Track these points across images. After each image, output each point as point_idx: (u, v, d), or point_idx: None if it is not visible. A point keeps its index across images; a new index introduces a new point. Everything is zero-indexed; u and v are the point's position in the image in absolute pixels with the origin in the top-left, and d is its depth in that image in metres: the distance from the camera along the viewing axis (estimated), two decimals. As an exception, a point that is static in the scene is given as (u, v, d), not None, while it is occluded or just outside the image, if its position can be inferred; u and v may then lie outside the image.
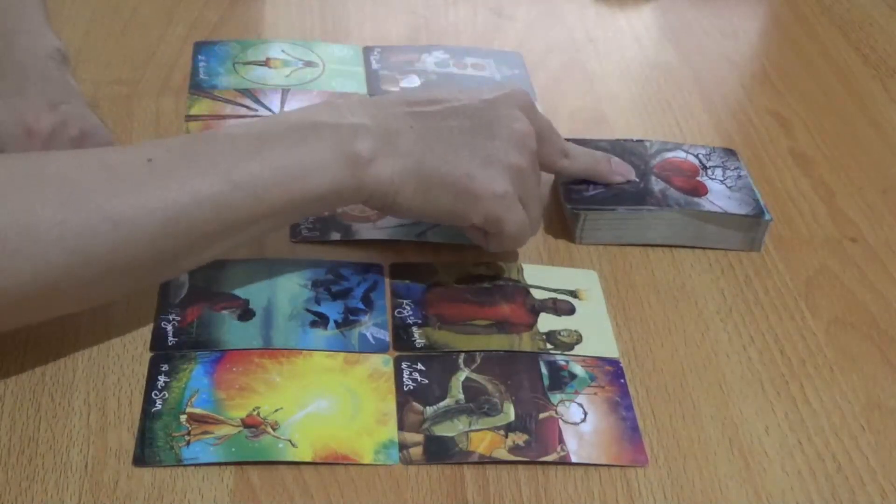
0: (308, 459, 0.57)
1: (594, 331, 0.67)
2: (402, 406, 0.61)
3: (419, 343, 0.65)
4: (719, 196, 0.75)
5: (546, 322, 0.67)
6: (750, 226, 0.74)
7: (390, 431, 0.59)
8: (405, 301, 0.68)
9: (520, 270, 0.71)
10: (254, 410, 0.59)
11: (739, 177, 0.78)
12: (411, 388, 0.62)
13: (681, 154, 0.80)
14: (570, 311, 0.69)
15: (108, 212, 0.55)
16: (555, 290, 0.70)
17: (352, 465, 0.57)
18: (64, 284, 0.56)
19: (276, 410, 0.59)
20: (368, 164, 0.62)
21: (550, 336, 0.66)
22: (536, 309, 0.68)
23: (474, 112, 0.66)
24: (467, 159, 0.64)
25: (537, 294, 0.70)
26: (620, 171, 0.76)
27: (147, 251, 0.57)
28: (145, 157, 0.58)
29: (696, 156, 0.80)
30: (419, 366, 0.63)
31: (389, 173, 0.63)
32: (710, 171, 0.78)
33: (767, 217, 0.74)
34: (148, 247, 0.57)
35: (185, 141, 0.64)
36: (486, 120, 0.66)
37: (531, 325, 0.67)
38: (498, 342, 0.65)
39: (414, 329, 0.66)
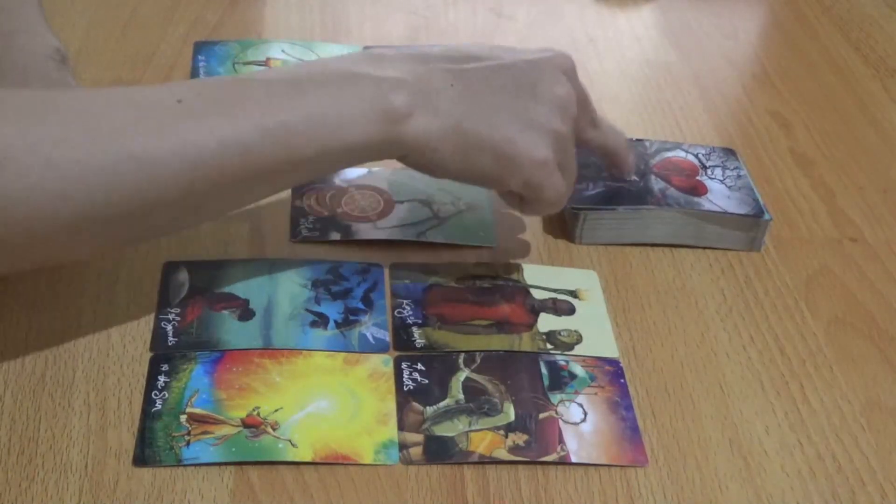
0: (308, 459, 0.57)
1: (594, 331, 0.67)
2: (402, 406, 0.61)
3: (419, 343, 0.65)
4: (719, 196, 0.75)
5: (546, 322, 0.67)
6: (750, 226, 0.74)
7: (390, 431, 0.59)
8: (405, 301, 0.68)
9: (520, 270, 0.71)
10: (254, 410, 0.59)
11: (739, 176, 0.78)
12: (411, 388, 0.62)
13: (680, 153, 0.80)
14: (570, 311, 0.69)
15: (133, 150, 0.54)
16: (555, 290, 0.70)
17: (352, 466, 0.57)
18: (85, 222, 0.54)
19: (276, 410, 0.59)
20: (405, 120, 0.61)
21: (550, 336, 0.66)
22: (536, 309, 0.68)
23: (517, 73, 0.64)
24: (508, 122, 0.63)
25: (537, 294, 0.70)
26: (632, 167, 0.75)
27: (171, 193, 0.56)
28: (175, 97, 0.57)
29: (696, 155, 0.80)
30: (419, 366, 0.63)
31: (426, 131, 0.61)
32: (709, 171, 0.78)
33: (767, 217, 0.74)
34: (172, 189, 0.56)
35: (219, 83, 0.62)
36: (529, 82, 0.64)
37: (531, 325, 0.67)
38: (498, 342, 0.65)
39: (414, 329, 0.66)
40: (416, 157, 0.63)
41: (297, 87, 0.59)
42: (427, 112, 0.61)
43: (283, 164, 0.59)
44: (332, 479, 0.57)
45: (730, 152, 0.81)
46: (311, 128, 0.59)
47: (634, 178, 0.76)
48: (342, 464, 0.57)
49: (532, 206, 0.67)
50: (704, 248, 0.75)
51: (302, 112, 0.58)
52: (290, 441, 0.58)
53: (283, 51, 0.92)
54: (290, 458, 0.57)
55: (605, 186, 0.75)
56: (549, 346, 0.66)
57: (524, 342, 0.66)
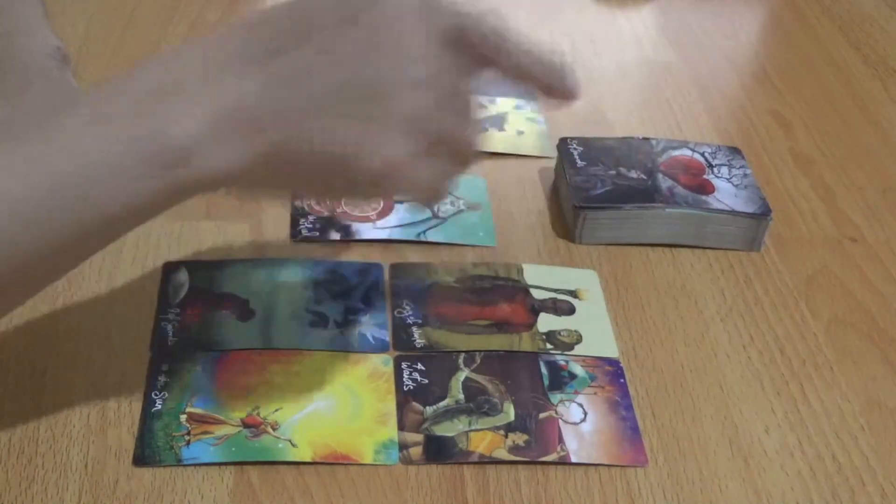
0: (308, 459, 0.57)
1: (594, 331, 0.67)
2: (401, 406, 0.61)
3: (419, 343, 0.65)
4: (726, 194, 0.75)
5: (546, 322, 0.67)
6: (755, 225, 0.74)
7: (390, 431, 0.59)
8: (405, 301, 0.68)
9: (519, 270, 0.71)
10: (254, 410, 0.59)
11: (745, 175, 0.78)
12: (411, 388, 0.62)
13: (687, 152, 0.80)
14: (570, 310, 0.69)
15: None
16: (555, 290, 0.70)
17: (352, 465, 0.57)
18: None
19: (276, 410, 0.59)
20: (191, 159, 0.46)
21: (550, 336, 0.66)
22: (536, 309, 0.68)
23: (348, 45, 0.49)
24: (344, 124, 0.49)
25: (537, 294, 0.69)
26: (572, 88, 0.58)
27: None
28: None
29: (702, 154, 0.80)
30: (419, 366, 0.63)
31: (227, 162, 0.47)
32: (716, 170, 0.78)
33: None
34: None
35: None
36: (367, 56, 0.49)
37: (531, 325, 0.67)
38: (498, 342, 0.65)
39: (414, 329, 0.66)
40: (228, 190, 0.50)
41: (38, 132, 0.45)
42: (222, 138, 0.47)
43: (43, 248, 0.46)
44: (333, 479, 0.57)
45: (735, 151, 0.81)
46: (57, 200, 0.45)
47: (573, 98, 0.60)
48: (342, 464, 0.57)
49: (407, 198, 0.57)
50: (704, 248, 0.75)
51: (43, 181, 0.44)
52: (290, 441, 0.58)
53: (283, 51, 0.92)
54: (289, 458, 0.57)
55: (612, 185, 0.75)
56: (549, 346, 0.66)
57: (524, 342, 0.66)
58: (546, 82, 0.57)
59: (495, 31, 0.54)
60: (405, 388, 0.62)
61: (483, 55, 0.54)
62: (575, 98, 0.58)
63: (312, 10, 0.51)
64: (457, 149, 0.53)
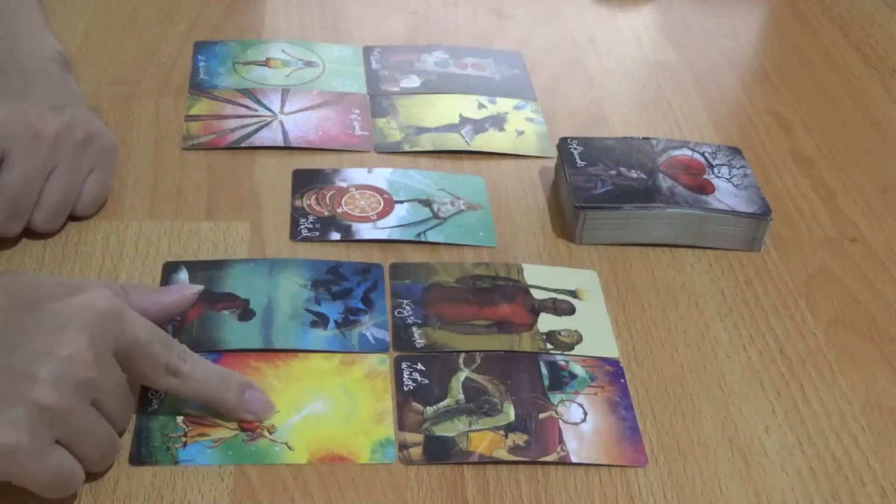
0: (304, 462, 0.57)
1: (594, 331, 0.67)
2: (401, 406, 0.61)
3: (419, 343, 0.65)
4: (727, 194, 0.75)
5: (546, 322, 0.67)
6: (755, 225, 0.74)
7: (387, 430, 0.59)
8: (405, 301, 0.68)
9: (520, 270, 0.71)
10: None
11: (745, 175, 0.78)
12: (411, 388, 0.62)
13: (687, 152, 0.80)
14: (570, 311, 0.69)
15: None
16: (555, 290, 0.70)
17: (352, 466, 0.57)
18: None
19: (273, 413, 0.59)
20: None
21: (550, 336, 0.66)
22: (536, 309, 0.68)
23: (14, 325, 0.52)
24: None
25: (537, 294, 0.69)
26: (254, 409, 0.59)
27: None
28: None
29: (703, 154, 0.80)
30: (419, 366, 0.63)
31: None
32: (716, 170, 0.78)
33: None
34: None
35: None
36: (11, 342, 0.51)
37: (531, 325, 0.67)
38: (498, 342, 0.65)
39: (414, 329, 0.66)
40: None
41: None
42: None
43: None
44: (333, 479, 0.57)
45: (735, 151, 0.81)
46: None
47: (269, 418, 0.59)
48: (339, 463, 0.57)
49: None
50: (704, 248, 0.75)
51: None
52: (286, 444, 0.58)
53: (283, 51, 0.92)
54: (286, 461, 0.57)
55: (613, 185, 0.75)
56: (549, 346, 0.66)
57: (524, 342, 0.66)
58: (226, 400, 0.59)
59: (176, 358, 0.56)
60: (405, 388, 0.62)
61: (145, 375, 0.56)
62: (261, 418, 0.59)
63: (21, 282, 0.55)
64: (87, 453, 0.53)
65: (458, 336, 0.66)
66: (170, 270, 0.68)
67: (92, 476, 0.55)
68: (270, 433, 0.58)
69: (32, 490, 0.51)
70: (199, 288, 0.62)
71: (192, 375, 0.56)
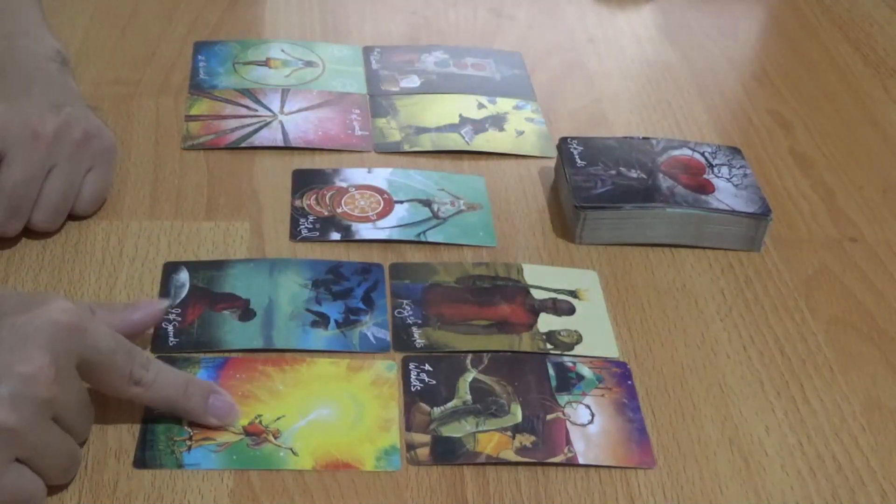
0: (309, 468, 0.57)
1: (594, 331, 0.67)
2: (409, 406, 0.61)
3: (419, 343, 0.65)
4: (726, 194, 0.75)
5: (546, 322, 0.67)
6: (755, 224, 0.74)
7: (392, 438, 0.59)
8: (405, 301, 0.68)
9: (520, 270, 0.71)
10: (256, 418, 0.59)
11: (745, 175, 0.78)
12: (419, 388, 0.62)
13: (687, 152, 0.80)
14: (570, 311, 0.69)
15: None
16: (555, 290, 0.70)
17: (355, 471, 0.57)
18: None
19: (279, 419, 0.59)
20: None
21: (550, 336, 0.66)
22: (536, 309, 0.68)
23: None
24: None
25: (537, 294, 0.69)
26: (219, 414, 0.58)
27: None
28: None
29: (703, 154, 0.80)
30: (427, 366, 0.63)
31: None
32: (716, 170, 0.78)
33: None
34: None
35: None
36: None
37: (531, 325, 0.67)
38: (498, 342, 0.65)
39: (414, 329, 0.66)
40: None
41: None
42: None
43: None
44: (333, 479, 0.57)
45: (735, 151, 0.81)
46: None
47: (233, 423, 0.59)
48: (343, 470, 0.57)
49: None
50: (704, 248, 0.75)
51: None
52: (291, 450, 0.58)
53: (283, 51, 0.92)
54: (290, 467, 0.57)
55: (613, 184, 0.75)
56: (548, 346, 0.66)
57: (524, 342, 0.66)
58: (191, 406, 0.58)
59: (139, 367, 0.56)
60: (412, 389, 0.62)
61: (109, 386, 0.56)
62: (227, 424, 0.59)
63: None
64: (48, 469, 0.53)
65: (458, 336, 0.66)
66: (170, 270, 0.68)
67: (92, 476, 0.55)
68: (275, 438, 0.58)
69: None
70: (166, 303, 0.63)
71: (154, 384, 0.56)
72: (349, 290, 0.68)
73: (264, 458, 0.57)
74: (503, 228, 0.75)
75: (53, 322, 0.52)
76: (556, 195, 0.79)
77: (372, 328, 0.65)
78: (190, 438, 0.57)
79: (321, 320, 0.65)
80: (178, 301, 0.66)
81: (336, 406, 0.60)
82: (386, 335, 0.65)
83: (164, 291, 0.66)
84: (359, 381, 0.62)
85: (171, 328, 0.64)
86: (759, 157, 0.85)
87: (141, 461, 0.56)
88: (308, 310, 0.66)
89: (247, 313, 0.65)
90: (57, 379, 0.51)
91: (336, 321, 0.66)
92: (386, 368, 0.63)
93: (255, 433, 0.58)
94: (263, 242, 0.72)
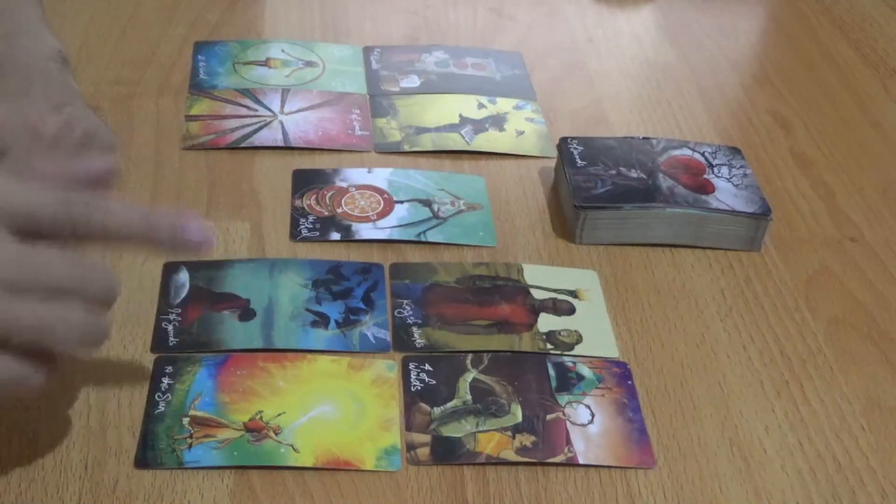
0: (309, 465, 0.57)
1: (594, 331, 0.67)
2: (409, 406, 0.61)
3: (419, 343, 0.65)
4: (726, 194, 0.76)
5: (546, 322, 0.67)
6: (755, 224, 0.74)
7: (393, 437, 0.59)
8: (405, 301, 0.68)
9: (520, 270, 0.71)
10: (257, 414, 0.59)
11: (745, 175, 0.78)
12: (419, 388, 0.62)
13: (687, 152, 0.80)
14: (570, 311, 0.69)
15: None
16: (555, 290, 0.70)
17: (355, 470, 0.57)
18: None
19: (279, 415, 0.59)
20: None
21: (550, 336, 0.66)
22: (536, 309, 0.68)
23: None
24: None
25: (537, 294, 0.70)
26: (194, 237, 0.54)
27: None
28: None
29: (703, 154, 0.80)
30: (427, 366, 0.63)
31: None
32: (716, 170, 0.78)
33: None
34: None
35: None
36: None
37: (531, 325, 0.67)
38: (498, 342, 0.65)
39: (414, 329, 0.66)
40: None
41: None
42: None
43: None
44: (333, 479, 0.57)
45: (735, 151, 0.81)
46: None
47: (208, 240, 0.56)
48: (344, 469, 0.57)
49: None
50: (704, 248, 0.75)
51: None
52: (291, 446, 0.58)
53: (283, 51, 0.92)
54: (291, 464, 0.57)
55: (613, 184, 0.75)
56: (549, 345, 0.66)
57: (524, 342, 0.66)
58: (158, 238, 0.54)
59: (80, 214, 0.52)
60: (413, 389, 0.62)
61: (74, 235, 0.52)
62: (202, 245, 0.55)
63: None
64: (35, 347, 0.49)
65: (458, 336, 0.66)
66: (170, 271, 0.68)
67: (92, 476, 0.55)
68: (276, 434, 0.58)
69: None
70: (112, 160, 0.57)
71: (106, 226, 0.52)
72: (349, 290, 0.68)
73: (265, 454, 0.57)
74: (503, 228, 0.75)
75: None
76: (556, 195, 0.79)
77: (372, 328, 0.65)
78: (191, 436, 0.57)
79: (321, 320, 0.65)
80: (178, 301, 0.66)
81: (337, 404, 0.60)
82: (386, 335, 0.65)
83: (165, 291, 0.66)
84: (359, 380, 0.62)
85: (171, 328, 0.64)
86: (759, 157, 0.85)
87: (142, 461, 0.56)
88: (308, 310, 0.66)
89: (247, 313, 0.65)
90: None
91: (336, 321, 0.66)
92: (386, 368, 0.63)
93: (255, 429, 0.58)
94: (263, 242, 0.72)
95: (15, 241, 0.49)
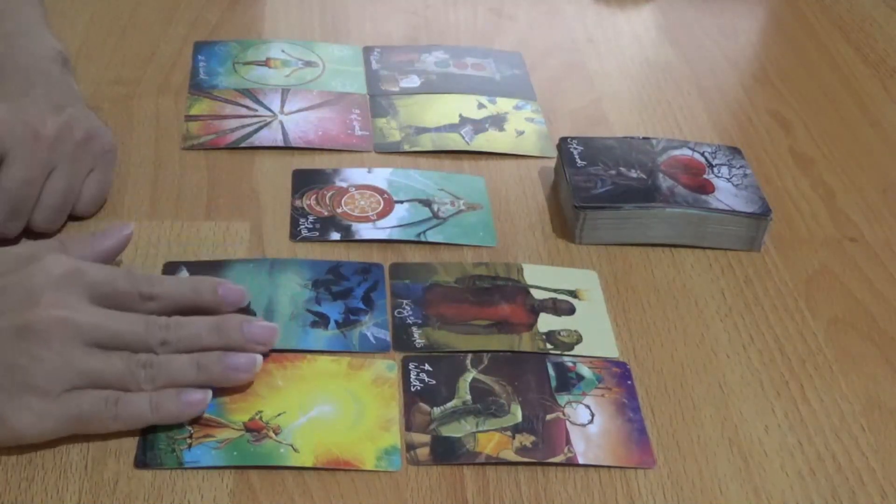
0: (309, 465, 0.57)
1: (594, 331, 0.67)
2: (409, 406, 0.61)
3: (419, 343, 0.65)
4: (726, 194, 0.76)
5: (546, 322, 0.67)
6: (755, 224, 0.74)
7: (393, 437, 0.59)
8: (405, 301, 0.68)
9: (519, 270, 0.71)
10: (256, 414, 0.59)
11: (745, 175, 0.78)
12: (418, 388, 0.62)
13: (687, 152, 0.80)
14: (570, 311, 0.69)
15: None
16: (555, 290, 0.70)
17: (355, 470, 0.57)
18: None
19: (279, 415, 0.59)
20: None
21: (550, 336, 0.66)
22: (536, 309, 0.68)
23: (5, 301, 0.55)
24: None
25: (537, 294, 0.70)
26: (230, 299, 0.62)
27: None
28: None
29: (703, 154, 0.80)
30: (426, 366, 0.63)
31: None
32: (716, 170, 0.78)
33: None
34: None
35: None
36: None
37: (531, 325, 0.67)
38: (498, 342, 0.65)
39: (414, 329, 0.66)
40: None
41: None
42: None
43: None
44: (333, 479, 0.57)
45: (735, 151, 0.81)
46: None
47: (248, 305, 0.64)
48: (344, 469, 0.57)
49: None
50: (704, 248, 0.75)
51: None
52: (291, 446, 0.58)
53: (283, 51, 0.92)
54: (291, 464, 0.57)
55: (612, 184, 0.75)
56: (548, 346, 0.66)
57: (524, 342, 0.66)
58: (205, 302, 0.62)
59: (140, 294, 0.60)
60: (412, 389, 0.62)
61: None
62: (239, 305, 0.63)
63: None
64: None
65: (458, 336, 0.66)
66: (170, 271, 0.68)
67: (92, 476, 0.55)
68: (276, 434, 0.58)
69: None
70: (131, 226, 0.65)
71: (165, 294, 0.60)
72: (349, 290, 0.68)
73: (265, 454, 0.57)
74: (503, 228, 0.75)
75: (53, 273, 0.56)
76: (556, 195, 0.79)
77: (372, 328, 0.65)
78: (190, 436, 0.57)
79: (321, 320, 0.65)
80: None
81: (337, 404, 0.60)
82: (386, 335, 0.65)
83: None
84: (359, 380, 0.62)
85: (171, 328, 0.64)
86: (759, 157, 0.85)
87: (142, 461, 0.56)
88: (308, 310, 0.66)
89: (247, 313, 0.65)
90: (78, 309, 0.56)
91: (336, 321, 0.66)
92: (386, 368, 0.63)
93: (255, 429, 0.58)
94: (263, 242, 0.72)
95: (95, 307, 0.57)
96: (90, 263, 0.59)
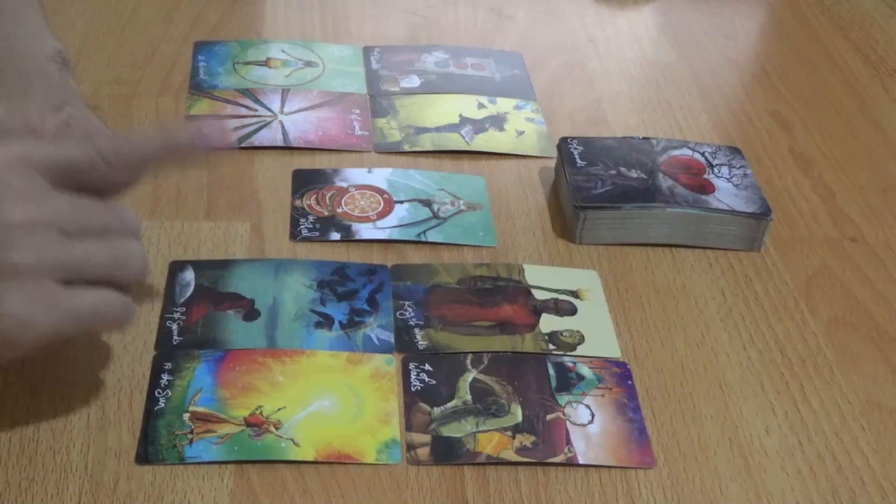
0: (310, 459, 0.57)
1: (596, 331, 0.67)
2: (409, 406, 0.61)
3: (421, 345, 0.65)
4: (727, 194, 0.76)
5: (548, 323, 0.67)
6: (755, 225, 0.74)
7: (393, 430, 0.59)
8: (407, 302, 0.68)
9: (521, 271, 0.71)
10: (257, 409, 0.59)
11: (745, 175, 0.78)
12: (419, 388, 0.62)
13: (687, 152, 0.80)
14: (572, 311, 0.69)
15: None
16: (556, 291, 0.70)
17: (352, 466, 0.57)
18: None
19: (279, 409, 0.59)
20: None
21: (552, 337, 0.66)
22: (538, 309, 0.68)
23: None
24: None
25: (539, 294, 0.70)
26: (210, 132, 0.60)
27: None
28: None
29: (703, 154, 0.80)
30: (427, 366, 0.63)
31: None
32: (716, 170, 0.78)
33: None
34: None
35: None
36: None
37: (533, 325, 0.67)
38: (500, 343, 0.65)
39: (416, 330, 0.66)
40: None
41: None
42: None
43: None
44: (333, 479, 0.57)
45: (735, 151, 0.81)
46: None
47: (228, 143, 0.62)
48: (344, 463, 0.57)
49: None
50: (704, 248, 0.75)
51: None
52: (292, 440, 0.58)
53: (283, 51, 0.92)
54: (292, 458, 0.57)
55: (613, 184, 0.75)
56: (551, 346, 0.66)
57: (526, 343, 0.66)
58: (182, 152, 0.59)
59: (106, 147, 0.56)
60: (412, 389, 0.62)
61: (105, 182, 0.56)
62: (220, 144, 0.60)
63: None
64: (109, 276, 0.54)
65: (460, 337, 0.66)
66: (176, 270, 0.68)
67: (92, 476, 0.55)
68: (277, 429, 0.58)
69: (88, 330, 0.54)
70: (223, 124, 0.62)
71: (133, 154, 0.56)
72: (354, 291, 0.68)
73: (266, 448, 0.57)
74: (503, 228, 0.75)
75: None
76: (556, 195, 0.79)
77: (376, 330, 0.65)
78: (191, 432, 0.58)
79: (325, 321, 0.65)
80: (183, 300, 0.66)
81: (336, 398, 0.60)
82: (390, 337, 0.65)
83: (170, 290, 0.66)
84: (358, 374, 0.62)
85: (175, 327, 0.64)
86: (759, 157, 0.85)
87: (143, 457, 0.56)
88: (312, 311, 0.66)
89: (251, 313, 0.65)
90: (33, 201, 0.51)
91: (340, 322, 0.66)
92: (385, 362, 0.63)
93: (255, 424, 0.58)
94: (263, 242, 0.72)
95: (60, 192, 0.53)
96: (36, 145, 0.55)
